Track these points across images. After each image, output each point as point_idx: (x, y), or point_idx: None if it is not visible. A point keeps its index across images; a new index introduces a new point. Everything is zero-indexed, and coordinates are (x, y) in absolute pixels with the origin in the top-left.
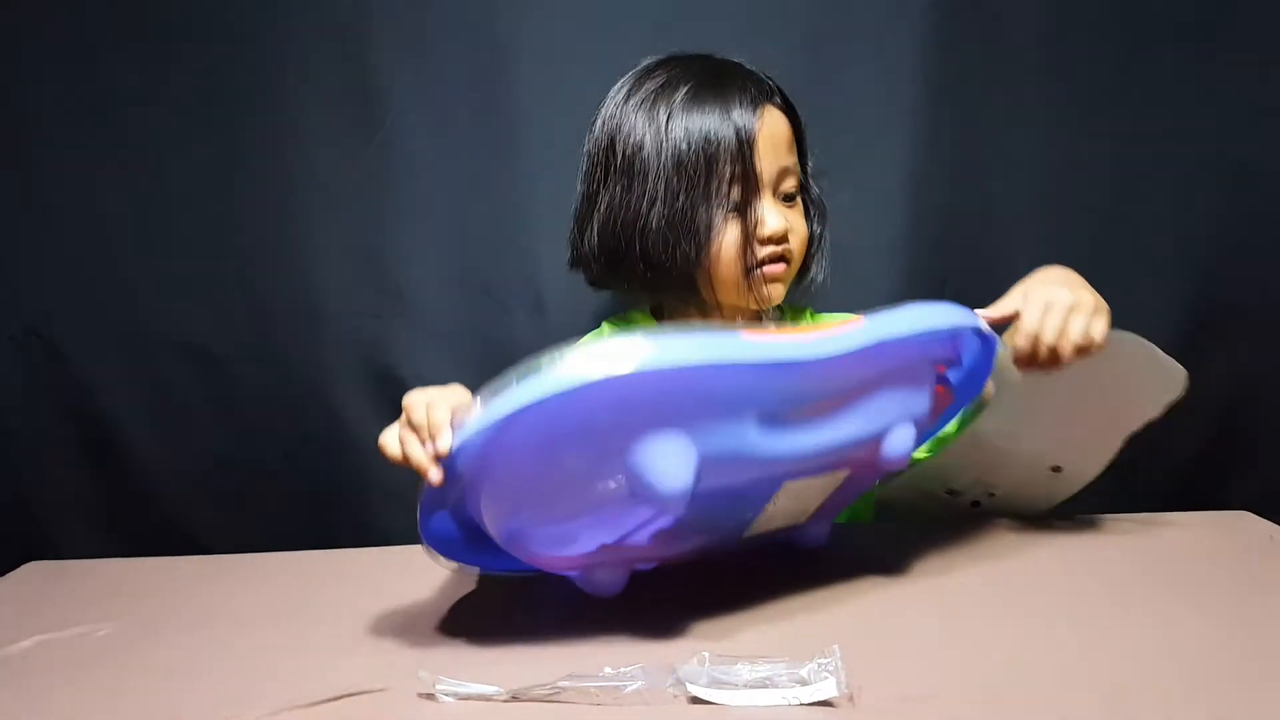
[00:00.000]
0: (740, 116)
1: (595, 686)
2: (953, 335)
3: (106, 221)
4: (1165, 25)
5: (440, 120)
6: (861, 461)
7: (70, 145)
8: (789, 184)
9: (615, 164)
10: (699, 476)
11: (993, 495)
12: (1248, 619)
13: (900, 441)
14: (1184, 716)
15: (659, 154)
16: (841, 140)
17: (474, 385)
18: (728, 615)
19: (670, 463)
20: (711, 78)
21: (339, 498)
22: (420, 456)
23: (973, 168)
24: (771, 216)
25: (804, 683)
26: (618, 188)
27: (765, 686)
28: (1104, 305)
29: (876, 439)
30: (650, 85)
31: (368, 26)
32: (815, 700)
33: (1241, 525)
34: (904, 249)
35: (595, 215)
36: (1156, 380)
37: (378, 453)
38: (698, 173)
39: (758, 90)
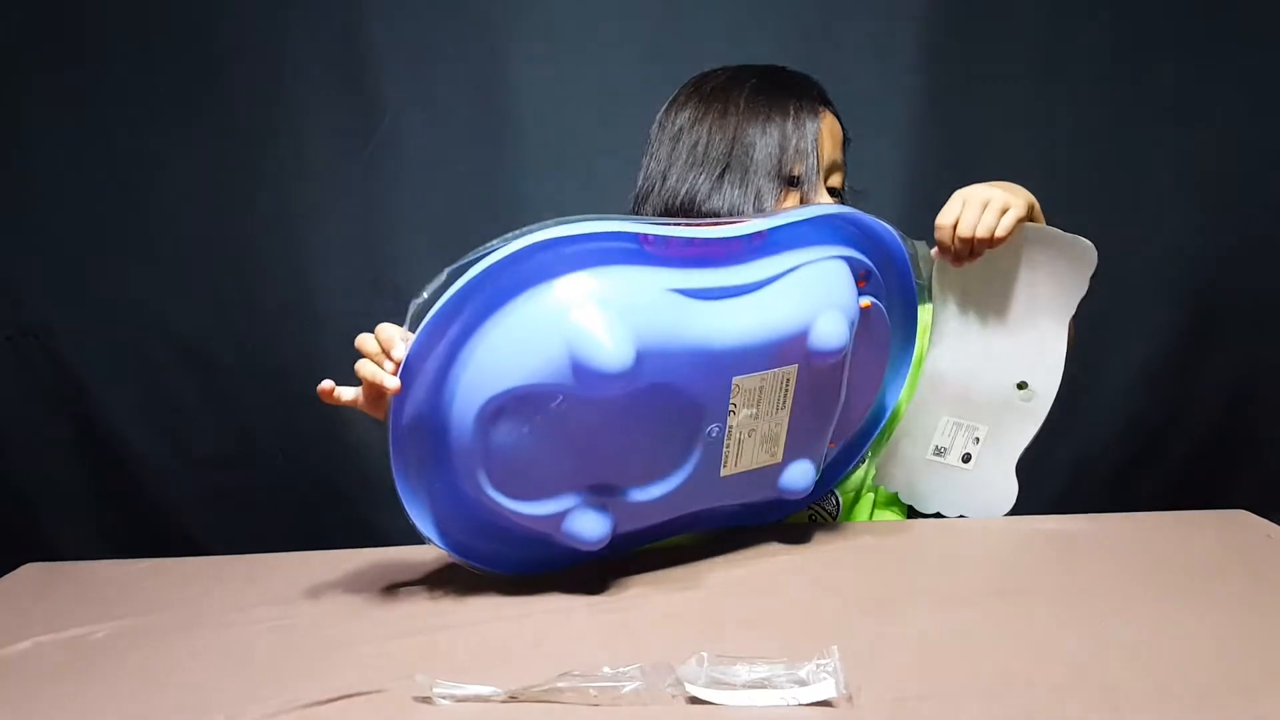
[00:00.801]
0: (807, 105)
1: (593, 687)
2: (851, 226)
3: (104, 222)
4: (1164, 25)
5: (439, 120)
6: (801, 355)
7: (68, 146)
8: (835, 179)
9: (686, 142)
10: (641, 357)
11: (978, 440)
12: (1247, 618)
13: (828, 329)
14: (1184, 716)
15: (728, 129)
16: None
17: None
18: (727, 615)
19: (605, 331)
20: (775, 75)
21: (337, 498)
22: (374, 371)
23: (971, 167)
24: (823, 197)
25: (803, 683)
26: (687, 164)
27: (764, 687)
28: (1020, 201)
29: (804, 327)
30: (719, 78)
31: (367, 27)
32: (814, 701)
33: (1240, 524)
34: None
35: (658, 190)
36: (1069, 259)
37: (376, 454)
38: (767, 148)
39: (819, 92)
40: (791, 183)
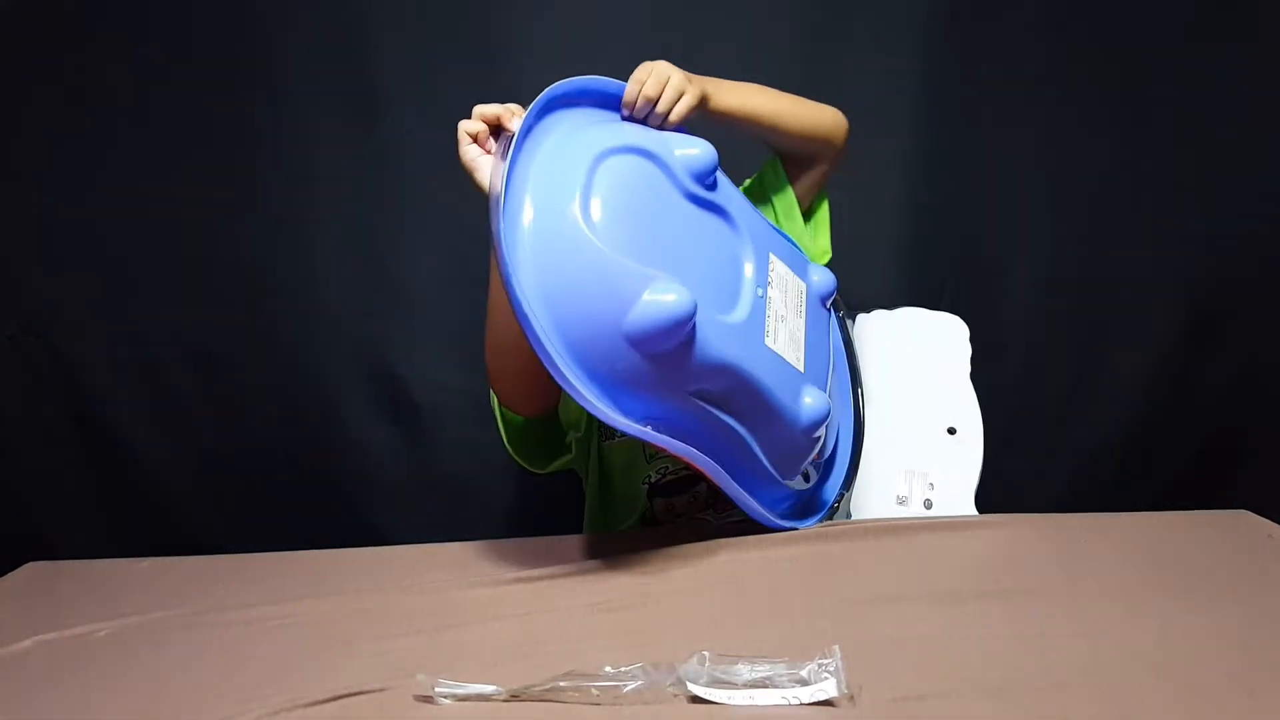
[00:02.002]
0: None
1: (595, 686)
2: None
3: (105, 222)
4: (1164, 25)
5: (439, 120)
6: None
7: (68, 147)
8: None
9: None
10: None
11: (932, 485)
12: (1246, 617)
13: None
14: (1183, 714)
15: None
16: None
17: (472, 386)
18: (728, 614)
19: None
20: None
21: (338, 498)
22: (496, 108)
23: (971, 168)
24: None
25: (804, 682)
26: None
27: (765, 686)
28: (695, 90)
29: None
30: None
31: (367, 27)
32: (815, 700)
33: (1240, 524)
34: (901, 247)
35: None
36: (945, 333)
37: (377, 451)
38: None
39: None
40: None
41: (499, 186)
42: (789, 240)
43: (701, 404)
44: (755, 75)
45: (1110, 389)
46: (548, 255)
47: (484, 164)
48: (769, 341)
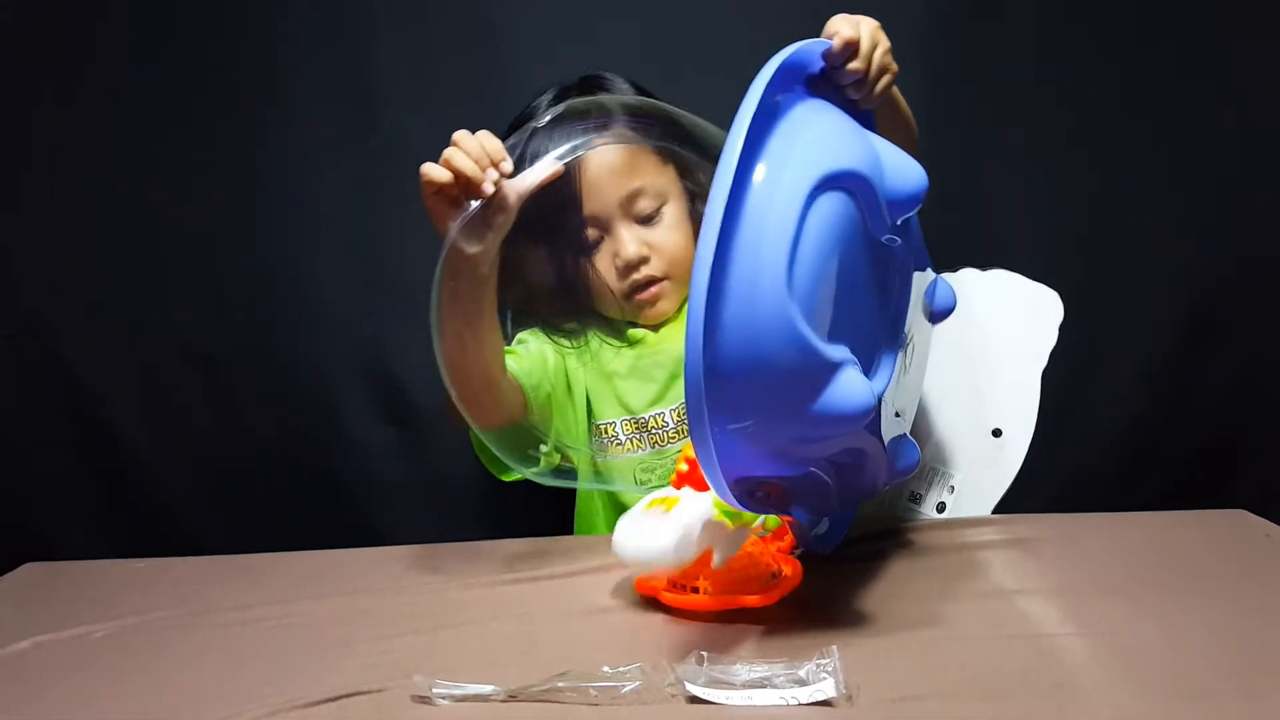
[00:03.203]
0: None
1: (593, 686)
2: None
3: (103, 221)
4: (1163, 23)
5: (438, 119)
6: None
7: (67, 145)
8: (643, 205)
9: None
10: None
11: (953, 489)
12: (1247, 618)
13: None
14: (1183, 715)
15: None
16: None
17: None
18: (726, 615)
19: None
20: (562, 111)
21: (336, 498)
22: (471, 167)
23: (969, 166)
24: (627, 244)
25: (802, 683)
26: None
27: (763, 686)
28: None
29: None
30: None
31: (367, 27)
32: (814, 700)
33: (1239, 524)
34: None
35: None
36: (1036, 308)
37: (375, 452)
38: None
39: (597, 118)
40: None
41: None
42: (924, 251)
43: (812, 468)
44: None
45: (1109, 389)
46: (740, 311)
47: (444, 216)
48: (889, 398)
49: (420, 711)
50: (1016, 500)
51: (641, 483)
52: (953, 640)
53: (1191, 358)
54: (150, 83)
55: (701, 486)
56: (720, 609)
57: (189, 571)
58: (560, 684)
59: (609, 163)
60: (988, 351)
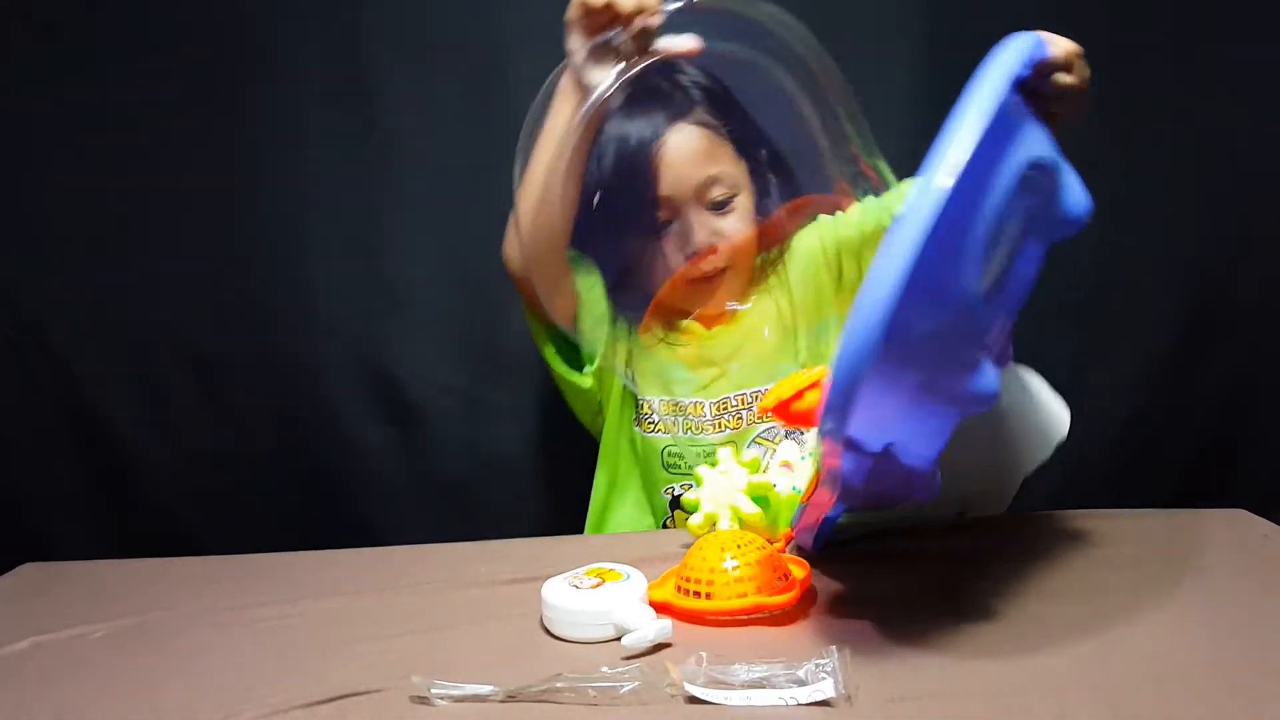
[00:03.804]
0: (648, 138)
1: (591, 687)
2: None
3: (101, 221)
4: (1163, 23)
5: (436, 120)
6: None
7: (65, 145)
8: (717, 192)
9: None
10: None
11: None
12: (1246, 618)
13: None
14: (1182, 715)
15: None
16: None
17: (469, 386)
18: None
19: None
20: (641, 91)
21: (335, 498)
22: (629, 4)
23: None
24: (700, 228)
25: (801, 683)
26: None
27: (763, 686)
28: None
29: None
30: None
31: (365, 27)
32: (813, 700)
33: (1240, 524)
34: None
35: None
36: (1046, 420)
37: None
38: (622, 185)
39: (678, 106)
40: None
41: None
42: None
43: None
44: None
45: (1109, 388)
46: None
47: (580, 36)
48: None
49: (419, 712)
50: (1016, 499)
51: (669, 466)
52: (952, 640)
53: (1191, 358)
54: (149, 82)
55: (797, 421)
56: (745, 614)
57: (186, 572)
58: (559, 684)
59: (690, 147)
60: (987, 446)
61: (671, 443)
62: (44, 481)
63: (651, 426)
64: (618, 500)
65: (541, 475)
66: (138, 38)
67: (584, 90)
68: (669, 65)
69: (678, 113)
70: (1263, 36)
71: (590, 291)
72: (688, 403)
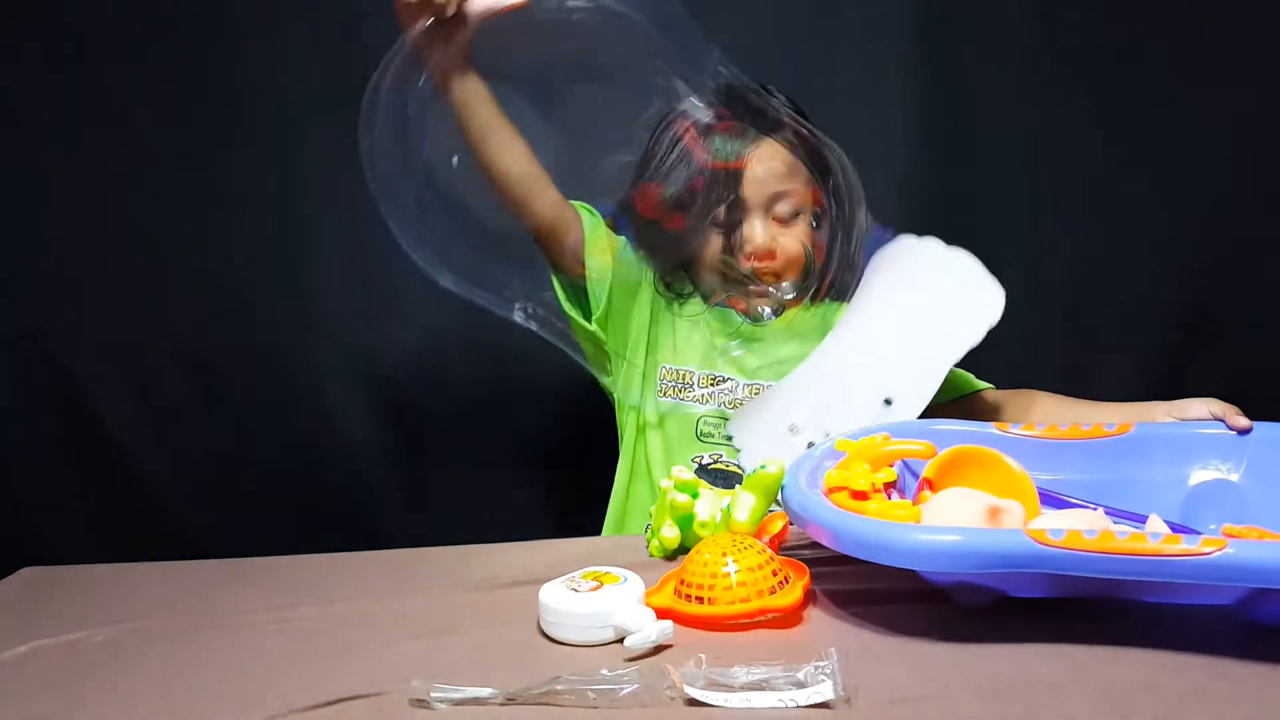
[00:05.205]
0: (734, 143)
1: (591, 689)
2: None
3: (102, 225)
4: (1159, 24)
5: None
6: None
7: (66, 150)
8: (784, 208)
9: (659, 155)
10: None
11: (827, 435)
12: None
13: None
14: (1182, 716)
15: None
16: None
17: (468, 387)
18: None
19: None
20: (730, 105)
21: (334, 501)
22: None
23: (962, 168)
24: (757, 231)
25: (801, 685)
26: (655, 177)
27: (762, 688)
28: None
29: None
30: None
31: (364, 34)
32: (812, 702)
33: None
34: None
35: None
36: (977, 302)
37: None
38: (698, 187)
39: (769, 118)
40: (716, 225)
41: None
42: None
43: None
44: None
45: (1104, 390)
46: None
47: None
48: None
49: (419, 715)
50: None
51: (703, 436)
52: (951, 641)
53: (1186, 358)
54: (150, 84)
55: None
56: (746, 619)
57: (186, 576)
58: (558, 687)
59: (776, 159)
60: (914, 321)
61: (706, 416)
62: (44, 485)
63: (688, 393)
64: (638, 484)
65: (541, 477)
66: (140, 46)
67: (442, 67)
68: (764, 86)
69: (772, 126)
70: (1263, 36)
71: (593, 231)
72: (731, 382)
